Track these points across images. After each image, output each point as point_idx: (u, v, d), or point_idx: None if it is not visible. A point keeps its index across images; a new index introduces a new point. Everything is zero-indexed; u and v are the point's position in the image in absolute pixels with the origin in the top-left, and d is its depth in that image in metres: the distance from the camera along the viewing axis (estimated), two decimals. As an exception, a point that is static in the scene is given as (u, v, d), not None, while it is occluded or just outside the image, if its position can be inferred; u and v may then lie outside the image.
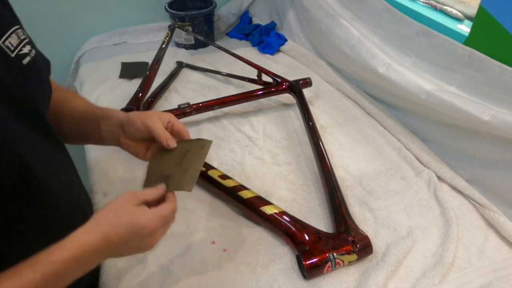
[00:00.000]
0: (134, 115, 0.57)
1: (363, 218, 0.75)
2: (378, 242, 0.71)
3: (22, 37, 0.49)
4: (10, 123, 0.43)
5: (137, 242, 0.48)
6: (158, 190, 0.51)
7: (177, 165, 0.54)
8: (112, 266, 0.66)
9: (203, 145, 0.55)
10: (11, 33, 0.47)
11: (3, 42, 0.46)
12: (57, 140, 0.54)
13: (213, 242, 0.70)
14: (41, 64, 0.52)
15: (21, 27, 0.50)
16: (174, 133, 0.57)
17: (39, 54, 0.55)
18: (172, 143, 0.55)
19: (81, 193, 0.60)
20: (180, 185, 0.52)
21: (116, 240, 0.46)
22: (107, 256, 0.47)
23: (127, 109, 0.94)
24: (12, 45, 0.47)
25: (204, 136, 0.96)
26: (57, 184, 0.50)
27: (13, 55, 0.46)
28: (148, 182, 0.55)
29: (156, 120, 0.56)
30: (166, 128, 0.56)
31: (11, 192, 0.41)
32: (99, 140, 0.61)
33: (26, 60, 0.48)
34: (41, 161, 0.46)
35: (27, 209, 0.46)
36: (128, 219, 0.46)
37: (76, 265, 0.43)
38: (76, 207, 0.56)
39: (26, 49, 0.48)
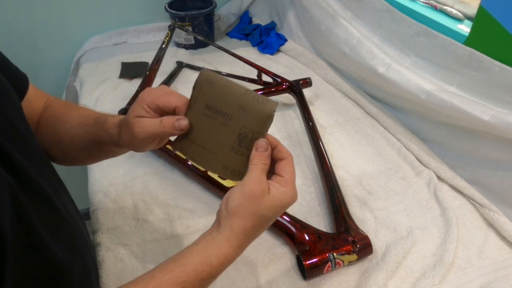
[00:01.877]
0: (126, 137, 0.48)
1: (363, 218, 0.75)
2: (378, 242, 0.71)
3: None
4: None
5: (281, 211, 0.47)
6: (264, 150, 0.46)
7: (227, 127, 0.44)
8: (112, 267, 0.66)
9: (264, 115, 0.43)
10: None
11: None
12: (45, 158, 0.48)
13: (213, 242, 0.70)
14: (4, 79, 0.43)
15: None
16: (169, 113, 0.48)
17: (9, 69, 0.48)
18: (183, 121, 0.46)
19: (76, 216, 0.53)
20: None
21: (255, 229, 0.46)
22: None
23: (127, 109, 0.94)
24: None
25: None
26: (49, 220, 0.44)
27: None
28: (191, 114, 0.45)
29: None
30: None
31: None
32: (108, 142, 0.53)
33: None
34: (27, 183, 0.40)
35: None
36: (274, 211, 0.45)
37: (222, 270, 0.45)
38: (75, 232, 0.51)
39: None
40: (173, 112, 0.47)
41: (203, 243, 0.45)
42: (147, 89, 0.49)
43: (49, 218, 0.42)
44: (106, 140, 0.52)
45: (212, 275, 0.44)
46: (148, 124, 0.46)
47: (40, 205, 0.41)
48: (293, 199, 0.46)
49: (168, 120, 0.46)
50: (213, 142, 0.45)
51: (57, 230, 0.44)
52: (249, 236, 0.45)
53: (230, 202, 0.45)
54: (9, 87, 0.44)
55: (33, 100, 0.57)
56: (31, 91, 0.57)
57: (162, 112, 0.47)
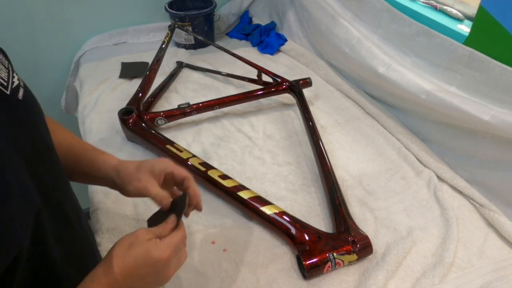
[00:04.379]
0: (125, 177, 0.56)
1: (363, 218, 0.75)
2: (378, 242, 0.71)
3: (6, 62, 0.40)
4: (24, 172, 0.37)
5: (153, 275, 0.47)
6: (169, 224, 0.50)
7: None
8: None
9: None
10: None
11: None
12: (62, 170, 0.49)
13: (213, 242, 0.70)
14: (30, 91, 0.44)
15: None
16: (177, 182, 0.57)
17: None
18: (167, 201, 0.54)
19: (82, 221, 0.55)
20: None
21: (133, 274, 0.45)
22: None
23: (127, 109, 0.94)
24: (5, 80, 0.38)
25: (204, 135, 0.96)
26: (66, 227, 0.46)
27: (9, 91, 0.38)
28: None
29: (150, 182, 0.54)
30: (165, 179, 0.56)
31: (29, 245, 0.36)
32: (100, 177, 0.59)
33: (21, 94, 0.40)
34: (51, 203, 0.42)
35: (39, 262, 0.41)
36: (141, 253, 0.46)
37: None
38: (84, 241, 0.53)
39: (15, 80, 0.40)
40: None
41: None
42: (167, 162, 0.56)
43: (64, 236, 0.44)
44: (99, 169, 0.58)
45: None
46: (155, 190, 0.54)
47: (59, 224, 0.42)
48: (160, 256, 0.46)
49: (165, 199, 0.54)
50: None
51: (70, 248, 0.45)
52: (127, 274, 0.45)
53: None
54: (38, 102, 0.45)
55: None
56: None
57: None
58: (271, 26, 1.43)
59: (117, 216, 0.75)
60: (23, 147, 0.37)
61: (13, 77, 0.40)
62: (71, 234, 0.46)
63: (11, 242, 0.33)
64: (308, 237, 0.66)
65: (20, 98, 0.39)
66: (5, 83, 0.38)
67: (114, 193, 0.79)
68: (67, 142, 0.58)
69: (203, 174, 0.79)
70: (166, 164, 0.56)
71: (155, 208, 0.80)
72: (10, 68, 0.40)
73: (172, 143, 0.87)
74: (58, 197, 0.43)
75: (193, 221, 0.74)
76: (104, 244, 0.69)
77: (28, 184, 0.36)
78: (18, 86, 0.40)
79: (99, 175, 0.58)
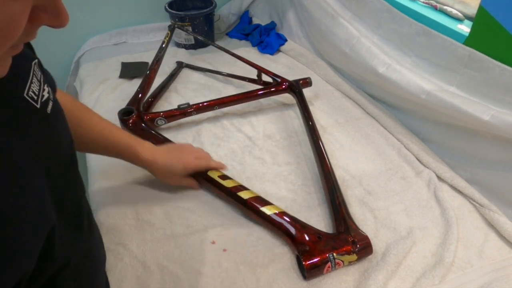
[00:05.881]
0: (158, 175, 0.76)
1: (363, 218, 0.75)
2: (378, 242, 0.71)
3: (39, 74, 0.40)
4: (44, 190, 0.36)
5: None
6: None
7: None
8: (112, 267, 0.66)
9: None
10: (33, 76, 0.38)
11: (27, 93, 0.36)
12: (80, 179, 0.48)
13: (213, 242, 0.70)
14: (58, 103, 0.43)
15: (34, 53, 0.41)
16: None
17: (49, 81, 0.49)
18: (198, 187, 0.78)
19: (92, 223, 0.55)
20: None
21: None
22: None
23: (127, 109, 0.94)
24: (35, 93, 0.37)
25: (204, 135, 0.96)
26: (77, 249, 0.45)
27: (38, 105, 0.37)
28: None
29: (181, 180, 0.76)
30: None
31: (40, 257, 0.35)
32: (134, 163, 0.75)
33: (49, 108, 0.39)
34: (66, 217, 0.41)
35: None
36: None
37: None
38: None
39: (46, 92, 0.40)
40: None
41: None
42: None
43: (73, 251, 0.43)
44: (135, 163, 0.74)
45: None
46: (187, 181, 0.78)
47: (70, 239, 0.42)
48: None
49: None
50: None
51: (79, 260, 0.44)
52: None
53: None
54: (64, 113, 0.44)
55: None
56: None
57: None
58: (271, 26, 1.43)
59: (117, 216, 0.75)
60: (47, 162, 0.37)
61: (43, 90, 0.39)
62: (81, 247, 0.45)
63: (18, 267, 0.32)
64: (308, 237, 0.66)
65: (49, 112, 0.39)
66: (36, 97, 0.37)
67: (114, 193, 0.80)
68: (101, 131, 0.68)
69: (203, 174, 0.79)
70: (189, 167, 0.75)
71: (155, 209, 0.80)
72: (42, 81, 0.40)
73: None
74: (73, 210, 0.43)
75: (193, 221, 0.74)
76: (104, 244, 0.69)
77: (46, 202, 0.36)
78: (48, 99, 0.40)
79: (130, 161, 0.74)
